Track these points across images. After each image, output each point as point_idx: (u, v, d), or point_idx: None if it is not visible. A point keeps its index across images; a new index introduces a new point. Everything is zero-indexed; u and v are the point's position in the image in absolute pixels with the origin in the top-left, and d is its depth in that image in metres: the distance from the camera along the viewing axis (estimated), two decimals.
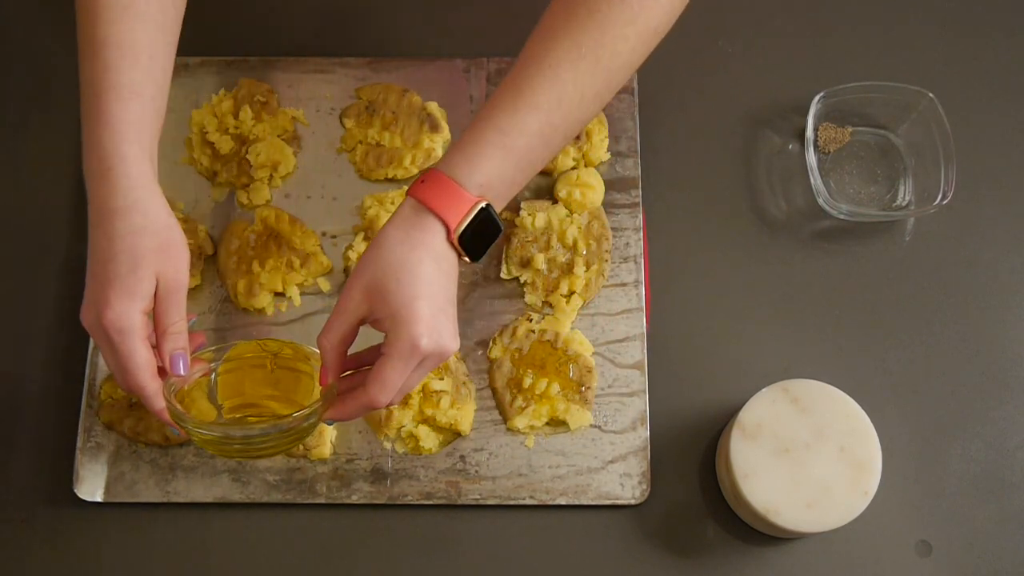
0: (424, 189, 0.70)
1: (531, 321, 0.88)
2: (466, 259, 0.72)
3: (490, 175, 0.71)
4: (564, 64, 0.71)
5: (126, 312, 0.69)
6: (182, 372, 0.72)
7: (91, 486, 0.84)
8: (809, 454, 0.77)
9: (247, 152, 0.92)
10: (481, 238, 0.71)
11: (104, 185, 0.71)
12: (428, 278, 0.69)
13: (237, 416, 0.76)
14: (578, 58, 0.71)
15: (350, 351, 0.73)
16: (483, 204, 0.70)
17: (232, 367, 0.77)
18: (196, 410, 0.75)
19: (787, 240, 0.93)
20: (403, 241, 0.69)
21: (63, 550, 0.84)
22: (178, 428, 0.72)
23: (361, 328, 0.72)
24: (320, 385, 0.73)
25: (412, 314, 0.68)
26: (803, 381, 0.80)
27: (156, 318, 0.72)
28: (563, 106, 0.72)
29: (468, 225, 0.70)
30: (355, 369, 0.75)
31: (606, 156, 0.93)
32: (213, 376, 0.76)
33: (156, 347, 0.72)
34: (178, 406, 0.71)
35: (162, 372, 0.72)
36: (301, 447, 0.84)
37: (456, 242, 0.70)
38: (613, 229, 0.91)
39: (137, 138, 0.72)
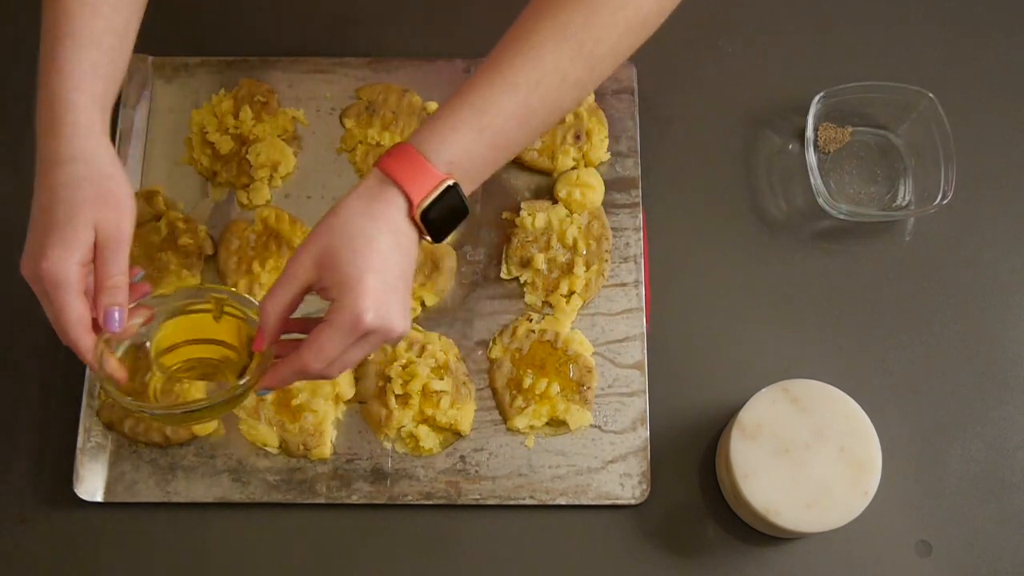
0: (391, 161, 0.68)
1: (531, 321, 0.88)
2: (427, 239, 0.70)
3: (460, 153, 0.69)
4: (547, 45, 0.69)
5: (61, 262, 0.66)
6: (116, 328, 0.69)
7: (91, 486, 0.84)
8: (809, 454, 0.77)
9: (247, 152, 0.92)
10: (445, 218, 0.69)
11: (51, 133, 0.70)
12: (383, 252, 0.67)
13: (177, 368, 0.74)
14: (562, 40, 0.69)
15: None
16: (450, 182, 0.68)
17: (176, 318, 0.74)
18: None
19: (787, 240, 0.93)
20: (363, 212, 0.67)
21: (63, 550, 0.84)
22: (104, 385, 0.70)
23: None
24: (254, 350, 0.71)
25: (361, 286, 0.65)
26: (803, 381, 0.80)
27: (96, 270, 0.69)
28: (541, 88, 0.70)
29: (432, 202, 0.68)
30: (299, 334, 0.72)
31: (606, 156, 0.93)
32: (151, 329, 0.73)
33: (93, 300, 0.69)
34: (104, 367, 0.68)
35: (98, 326, 0.69)
36: (301, 447, 0.84)
37: (418, 218, 0.68)
38: (613, 229, 0.91)
39: (89, 87, 0.70)
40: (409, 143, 0.69)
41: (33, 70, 0.99)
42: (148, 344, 0.74)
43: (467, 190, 0.70)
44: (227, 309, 0.75)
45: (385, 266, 0.67)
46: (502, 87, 0.69)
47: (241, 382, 0.70)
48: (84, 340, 0.68)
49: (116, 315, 0.69)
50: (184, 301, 0.75)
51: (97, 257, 0.69)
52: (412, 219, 0.69)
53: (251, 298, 0.75)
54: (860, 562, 0.84)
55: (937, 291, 0.91)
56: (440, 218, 0.69)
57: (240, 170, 0.92)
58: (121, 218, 0.69)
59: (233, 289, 0.76)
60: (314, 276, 0.68)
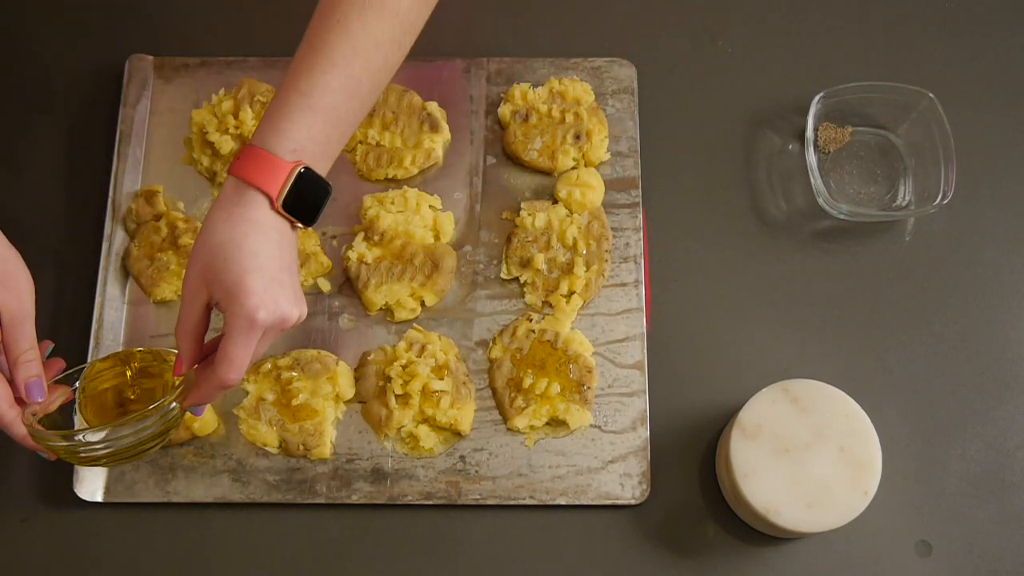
0: (240, 165, 0.70)
1: (531, 321, 0.88)
2: (299, 225, 0.72)
3: (301, 139, 0.71)
4: (351, 16, 0.71)
5: None
6: (39, 399, 0.72)
7: (91, 486, 0.84)
8: (809, 454, 0.77)
9: None
10: (307, 201, 0.71)
11: None
12: (254, 251, 0.69)
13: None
14: (363, 7, 0.71)
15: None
16: (300, 168, 0.70)
17: (94, 385, 0.77)
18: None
19: (787, 240, 0.93)
20: (226, 220, 0.69)
21: (63, 550, 0.84)
22: (45, 451, 0.72)
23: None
24: (174, 375, 0.73)
25: (244, 289, 0.67)
26: (803, 381, 0.80)
27: (5, 349, 0.72)
28: (360, 56, 0.72)
29: (289, 191, 0.70)
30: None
31: (606, 156, 0.93)
32: (76, 396, 0.76)
33: (11, 378, 0.72)
34: (38, 427, 0.71)
35: (21, 401, 0.72)
36: (301, 447, 0.84)
37: (282, 210, 0.70)
38: (613, 229, 0.91)
39: None
40: (252, 143, 0.71)
41: (33, 70, 0.99)
42: (77, 408, 0.77)
43: (322, 169, 0.73)
44: (139, 366, 0.77)
45: (260, 263, 0.69)
46: (322, 67, 0.71)
47: (159, 404, 0.71)
48: (8, 414, 0.71)
49: (36, 387, 0.72)
50: (97, 370, 0.77)
51: (5, 336, 0.71)
52: (277, 212, 0.70)
53: (166, 349, 0.78)
54: (860, 562, 0.84)
55: (937, 291, 0.91)
56: (303, 203, 0.71)
57: None
58: (21, 296, 0.71)
59: (146, 348, 0.80)
60: (205, 294, 0.70)
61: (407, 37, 0.75)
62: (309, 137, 0.71)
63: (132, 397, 0.77)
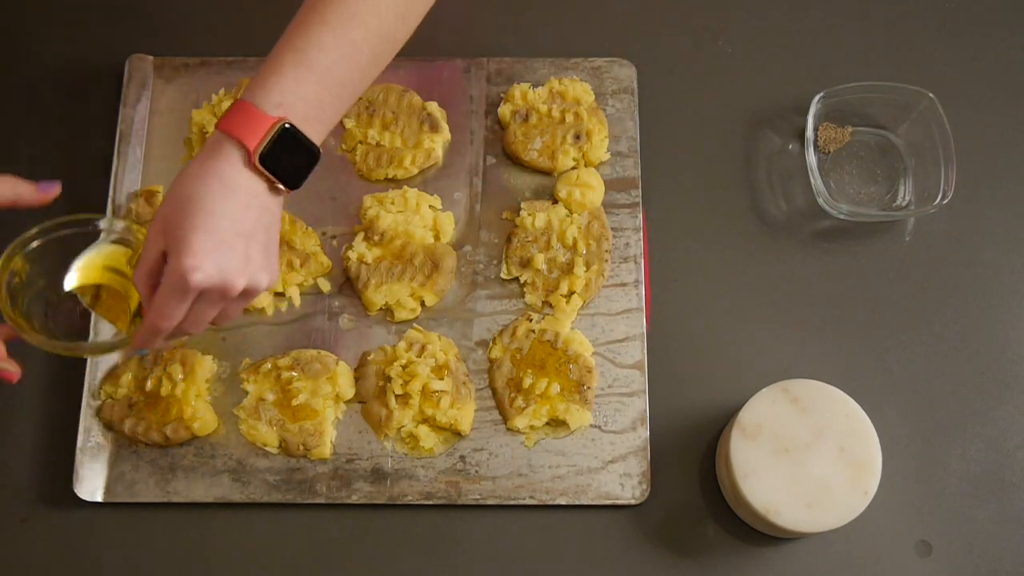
0: (225, 118, 0.69)
1: (531, 321, 0.88)
2: (279, 186, 0.70)
3: (288, 94, 0.69)
4: None
5: None
6: None
7: (91, 486, 0.84)
8: (809, 454, 0.77)
9: None
10: (289, 160, 0.69)
11: None
12: (211, 210, 0.67)
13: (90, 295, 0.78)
14: None
15: None
16: (285, 123, 0.68)
17: (96, 261, 0.78)
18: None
19: (787, 240, 0.93)
20: (196, 173, 0.68)
21: (63, 550, 0.84)
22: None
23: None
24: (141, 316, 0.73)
25: (186, 246, 0.66)
26: (803, 381, 0.80)
27: None
28: (359, 22, 0.71)
29: (268, 145, 0.68)
30: None
31: (606, 156, 0.93)
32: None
33: None
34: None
35: None
36: (301, 447, 0.84)
37: (259, 166, 0.68)
38: (613, 229, 0.91)
39: None
40: (241, 97, 0.70)
41: (33, 70, 0.99)
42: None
43: (313, 132, 0.71)
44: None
45: (215, 224, 0.67)
46: (318, 26, 0.70)
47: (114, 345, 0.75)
48: None
49: None
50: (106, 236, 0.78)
51: None
52: (254, 168, 0.69)
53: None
54: (860, 562, 0.84)
55: (937, 291, 0.91)
56: (283, 162, 0.69)
57: None
58: None
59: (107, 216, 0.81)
60: (163, 242, 0.69)
61: (412, 14, 0.74)
62: (297, 95, 0.70)
63: (103, 297, 0.78)
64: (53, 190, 0.74)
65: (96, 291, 0.78)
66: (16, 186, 0.72)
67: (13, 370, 0.74)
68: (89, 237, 0.77)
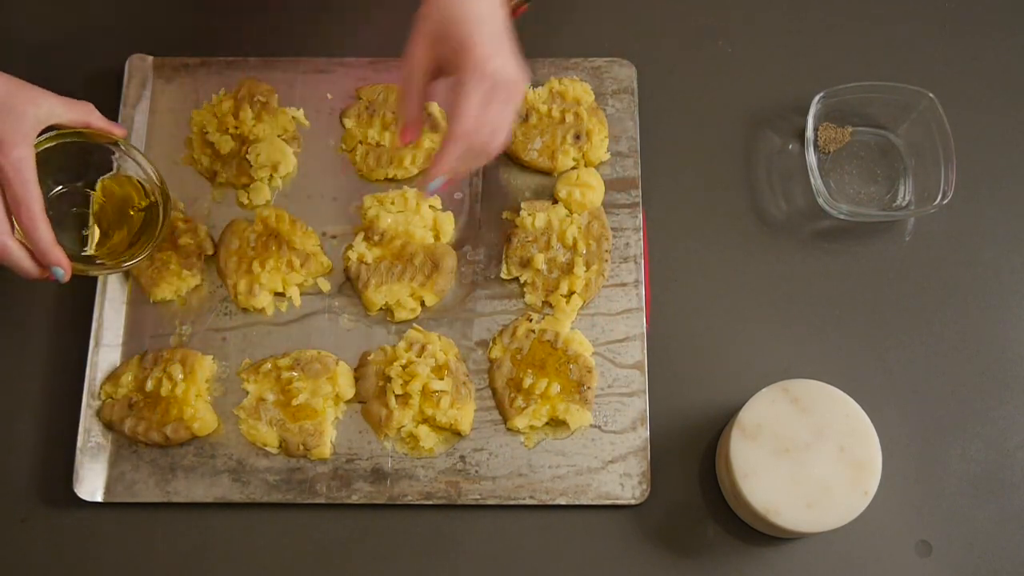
0: None
1: (531, 321, 0.88)
2: None
3: None
4: None
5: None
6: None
7: (91, 486, 0.84)
8: (809, 454, 0.77)
9: (247, 152, 0.92)
10: None
11: None
12: (479, 14, 0.73)
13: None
14: None
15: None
16: None
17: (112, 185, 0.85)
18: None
19: (787, 240, 0.93)
20: None
21: (63, 550, 0.84)
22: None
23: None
24: (402, 142, 0.81)
25: (474, 41, 0.72)
26: (803, 381, 0.80)
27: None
28: None
29: None
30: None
31: (606, 156, 0.93)
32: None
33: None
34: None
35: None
36: (301, 447, 0.84)
37: None
38: (613, 229, 0.91)
39: None
40: None
41: (33, 70, 0.99)
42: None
43: None
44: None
45: (486, 23, 0.73)
46: None
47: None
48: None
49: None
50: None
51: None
52: None
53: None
54: (860, 562, 0.84)
55: (937, 291, 0.91)
56: None
57: (240, 170, 0.92)
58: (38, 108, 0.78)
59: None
60: (431, 57, 0.75)
61: None
62: None
63: (107, 209, 0.84)
64: (121, 129, 0.82)
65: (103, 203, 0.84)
66: (91, 112, 0.80)
67: (65, 265, 0.77)
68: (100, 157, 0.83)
